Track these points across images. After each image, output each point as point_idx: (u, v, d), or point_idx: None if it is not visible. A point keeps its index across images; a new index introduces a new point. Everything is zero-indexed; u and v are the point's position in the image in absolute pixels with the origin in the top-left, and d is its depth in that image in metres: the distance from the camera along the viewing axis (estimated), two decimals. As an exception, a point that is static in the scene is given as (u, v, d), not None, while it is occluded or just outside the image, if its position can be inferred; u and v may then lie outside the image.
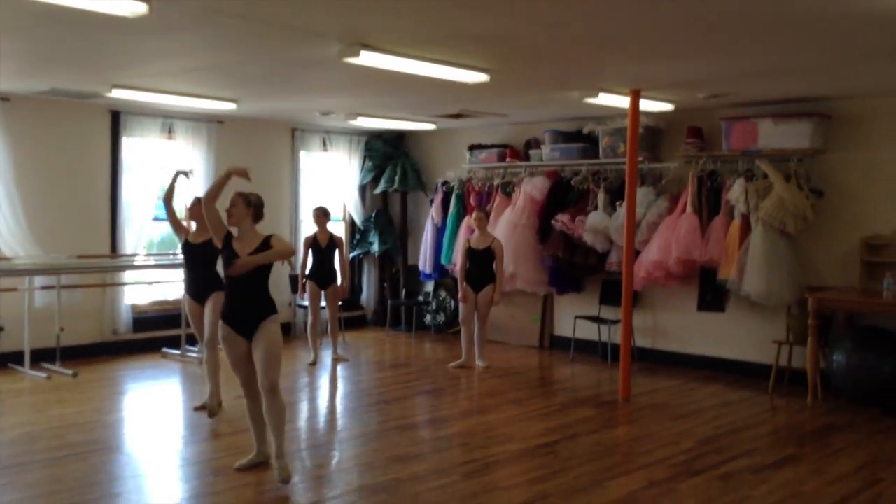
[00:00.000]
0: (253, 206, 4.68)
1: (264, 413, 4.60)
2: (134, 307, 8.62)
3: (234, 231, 4.70)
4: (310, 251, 8.07)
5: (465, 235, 9.02)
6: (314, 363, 8.05)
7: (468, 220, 9.10)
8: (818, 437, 5.77)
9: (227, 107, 7.75)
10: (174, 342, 8.45)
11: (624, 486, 4.61)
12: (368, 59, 5.03)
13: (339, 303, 8.35)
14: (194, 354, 8.17)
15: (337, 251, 8.07)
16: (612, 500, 4.38)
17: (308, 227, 9.14)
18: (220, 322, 4.65)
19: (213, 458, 5.08)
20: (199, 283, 6.10)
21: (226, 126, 9.03)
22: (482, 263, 7.83)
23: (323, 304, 8.25)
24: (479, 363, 7.98)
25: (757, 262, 6.88)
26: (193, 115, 8.60)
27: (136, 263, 8.38)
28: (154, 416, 6.26)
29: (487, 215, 8.16)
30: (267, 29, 4.62)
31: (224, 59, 5.63)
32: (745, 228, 7.11)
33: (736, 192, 7.11)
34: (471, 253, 7.88)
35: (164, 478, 4.82)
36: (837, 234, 7.01)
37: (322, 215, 8.03)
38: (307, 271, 8.10)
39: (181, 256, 6.42)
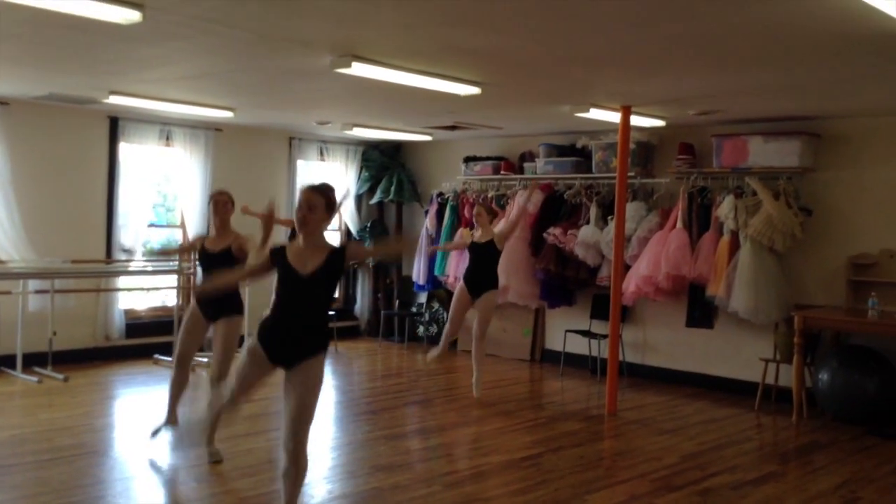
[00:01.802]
0: (333, 210, 3.67)
1: (285, 474, 3.70)
2: (127, 313, 8.67)
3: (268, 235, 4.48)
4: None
5: (459, 249, 9.07)
6: None
7: (462, 232, 9.16)
8: (801, 454, 5.80)
9: (225, 115, 7.81)
10: (167, 349, 8.47)
11: (604, 500, 4.64)
12: (360, 70, 5.10)
13: None
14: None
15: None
16: (590, 513, 4.42)
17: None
18: (255, 339, 3.72)
19: (197, 465, 5.09)
20: (212, 297, 5.07)
21: (223, 134, 9.10)
22: (484, 261, 6.95)
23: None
24: (475, 392, 7.12)
25: (745, 279, 6.93)
26: (191, 122, 8.68)
27: (130, 269, 8.44)
28: (143, 421, 6.29)
29: (490, 211, 7.32)
30: (260, 39, 4.69)
31: (219, 68, 5.70)
32: (734, 245, 7.16)
33: (725, 208, 7.16)
34: (473, 248, 7.04)
35: (149, 482, 4.85)
36: (825, 253, 7.06)
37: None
38: None
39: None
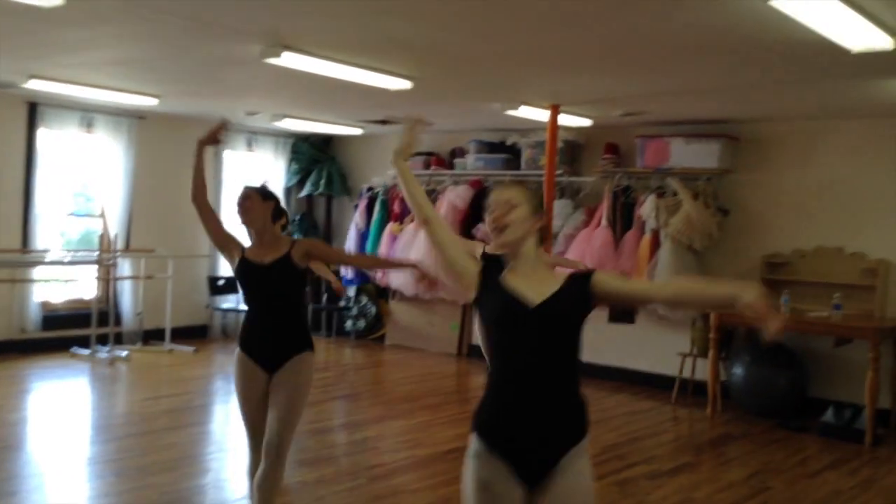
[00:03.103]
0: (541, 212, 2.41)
1: None
2: (44, 305, 8.38)
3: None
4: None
5: (388, 244, 9.08)
6: None
7: (391, 227, 9.18)
8: (715, 446, 6.02)
9: (149, 102, 7.62)
10: (84, 341, 8.23)
11: (526, 490, 4.73)
12: (290, 60, 5.05)
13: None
14: (104, 355, 7.98)
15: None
16: None
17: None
18: (478, 442, 2.22)
19: (116, 459, 5.00)
20: (268, 335, 3.49)
21: (147, 122, 8.88)
22: None
23: None
24: None
25: (665, 276, 7.14)
26: (114, 109, 8.43)
27: (46, 259, 8.16)
28: (59, 415, 6.11)
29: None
30: (188, 25, 4.60)
31: (145, 54, 5.57)
32: (656, 243, 7.37)
33: (647, 208, 7.37)
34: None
35: (65, 477, 4.72)
36: (740, 252, 7.32)
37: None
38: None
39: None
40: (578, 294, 2.26)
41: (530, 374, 2.18)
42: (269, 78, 6.10)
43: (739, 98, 6.21)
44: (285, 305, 3.54)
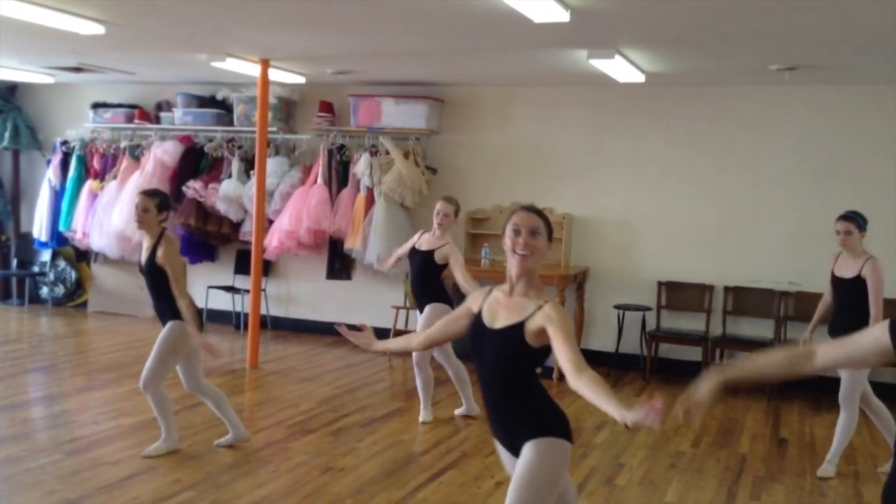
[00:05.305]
0: None
1: None
2: None
3: None
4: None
5: (88, 203, 8.39)
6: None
7: (90, 185, 8.48)
8: (425, 390, 6.38)
9: None
10: None
11: (238, 450, 4.69)
12: (-48, -7, 4.42)
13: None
14: None
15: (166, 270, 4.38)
16: (224, 464, 4.45)
17: None
18: None
19: None
20: (497, 414, 2.65)
21: None
22: (422, 272, 5.42)
23: None
24: (461, 411, 5.66)
25: (379, 232, 7.37)
26: None
27: None
28: None
29: (457, 211, 5.45)
30: None
31: None
32: (370, 201, 7.56)
33: (362, 166, 7.52)
34: (413, 254, 5.48)
35: None
36: (448, 209, 7.75)
37: (148, 205, 4.37)
38: None
39: None
40: None
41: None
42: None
43: (444, 62, 6.52)
44: (506, 382, 2.48)
